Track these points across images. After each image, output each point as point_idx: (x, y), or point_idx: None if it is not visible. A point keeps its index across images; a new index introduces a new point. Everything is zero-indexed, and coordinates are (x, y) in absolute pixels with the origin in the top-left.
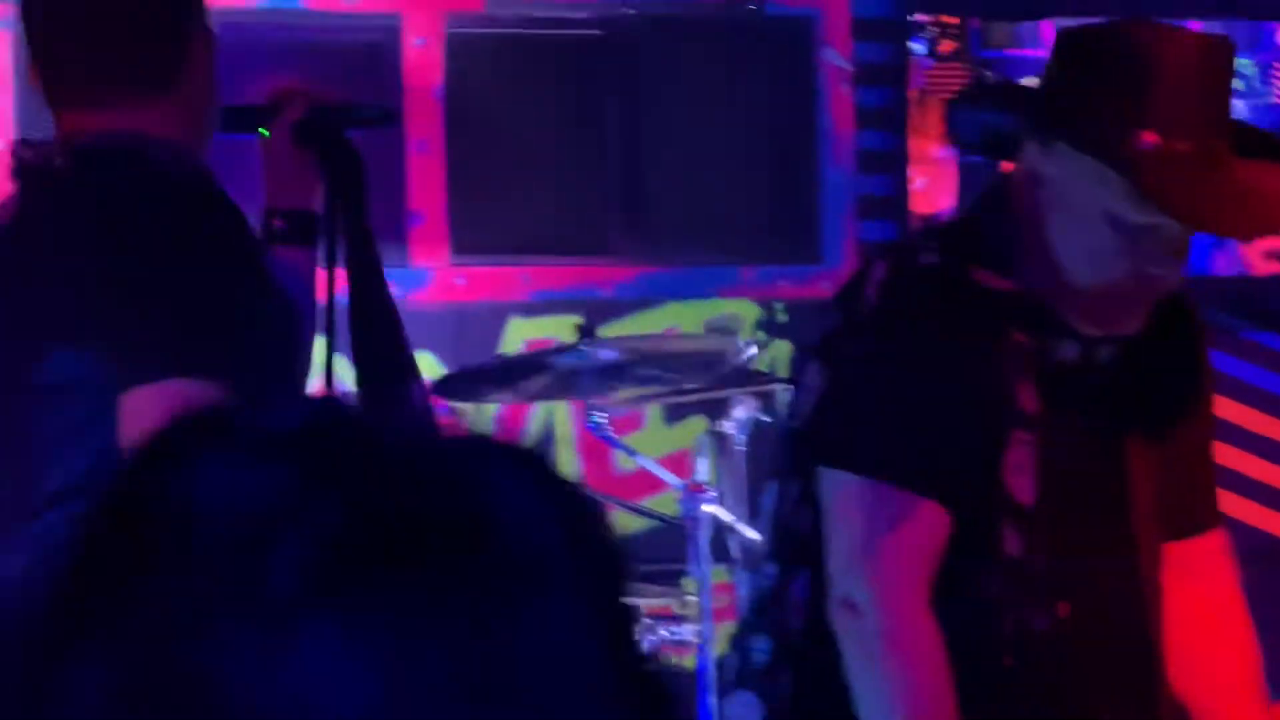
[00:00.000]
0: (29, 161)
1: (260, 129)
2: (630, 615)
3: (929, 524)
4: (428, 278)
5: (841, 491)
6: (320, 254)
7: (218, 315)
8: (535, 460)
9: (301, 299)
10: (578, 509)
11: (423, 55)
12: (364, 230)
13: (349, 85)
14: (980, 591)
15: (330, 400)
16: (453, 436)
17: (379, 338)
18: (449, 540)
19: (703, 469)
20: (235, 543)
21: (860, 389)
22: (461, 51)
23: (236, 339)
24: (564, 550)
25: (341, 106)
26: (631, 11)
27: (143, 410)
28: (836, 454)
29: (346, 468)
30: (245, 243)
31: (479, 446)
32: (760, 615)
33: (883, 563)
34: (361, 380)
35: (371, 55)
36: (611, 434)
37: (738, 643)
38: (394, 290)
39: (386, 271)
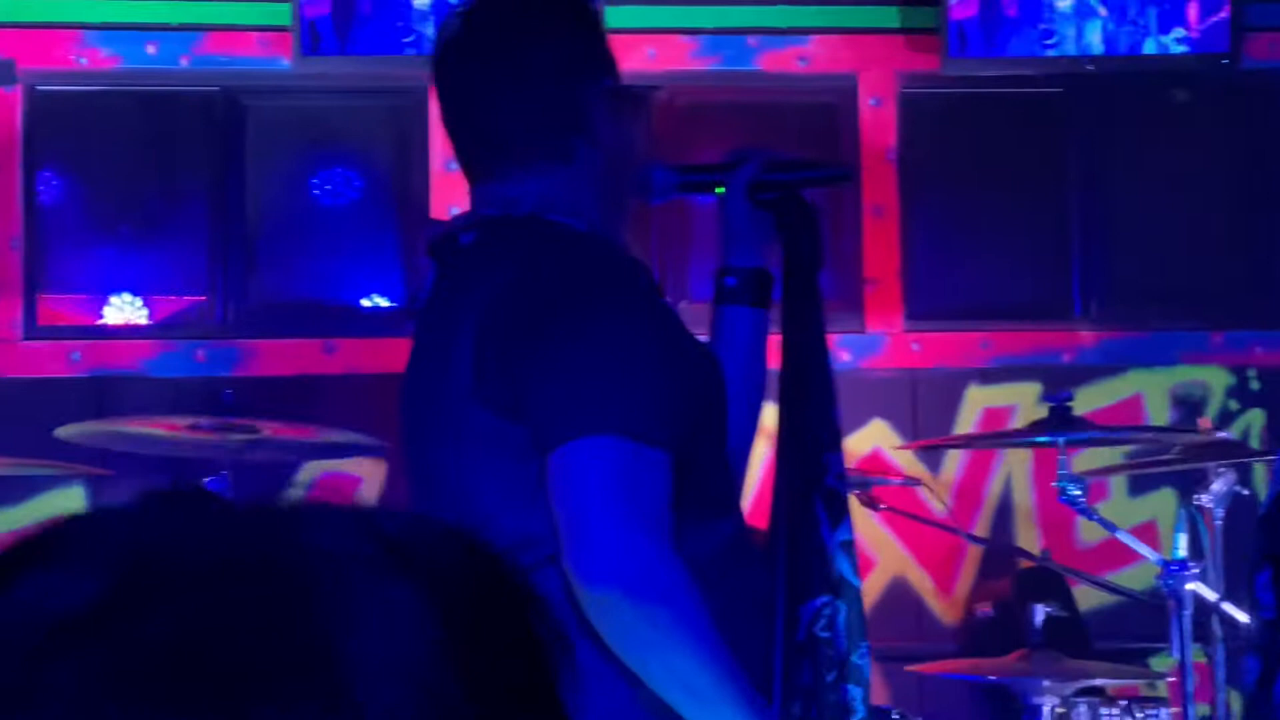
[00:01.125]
0: (440, 237)
1: (717, 187)
2: None
3: None
4: (882, 343)
5: None
6: (773, 314)
7: (632, 373)
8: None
9: (750, 359)
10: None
11: (877, 116)
12: (815, 292)
13: (803, 147)
14: None
15: (179, 514)
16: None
17: (813, 405)
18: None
19: (1181, 544)
20: (22, 649)
21: None
22: (916, 112)
23: (652, 395)
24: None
25: (799, 164)
26: (1091, 68)
27: (569, 467)
28: None
29: (166, 590)
30: (649, 298)
31: (333, 560)
32: (1249, 713)
33: None
34: (784, 444)
35: (826, 116)
36: (1087, 506)
37: None
38: (848, 356)
39: (841, 338)
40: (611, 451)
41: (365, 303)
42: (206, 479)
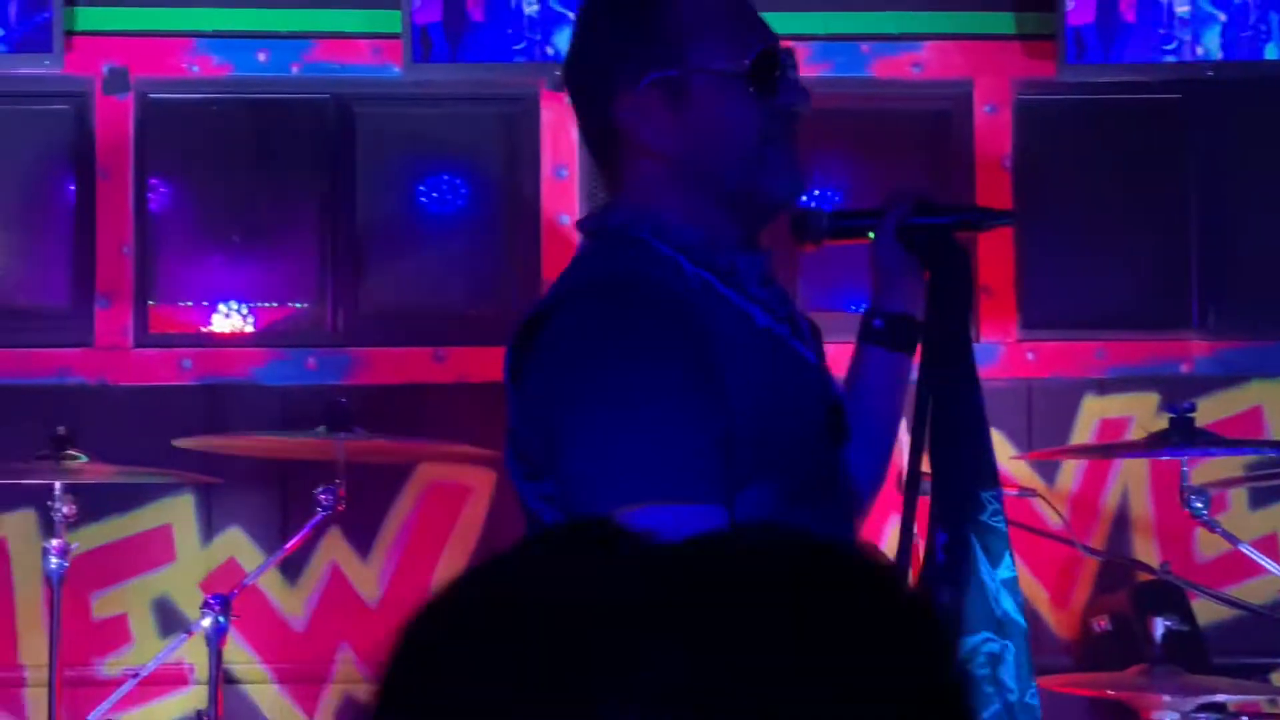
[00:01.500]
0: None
1: (869, 231)
2: None
3: None
4: (996, 353)
5: None
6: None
7: (661, 431)
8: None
9: (887, 401)
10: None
11: (992, 123)
12: (962, 339)
13: (918, 154)
14: None
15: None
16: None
17: (965, 443)
18: None
19: None
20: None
21: None
22: (1031, 119)
23: (686, 450)
24: None
25: (951, 208)
26: (1210, 74)
27: None
28: None
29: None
30: (686, 341)
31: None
32: None
33: None
34: (939, 488)
35: (940, 123)
36: (1211, 519)
37: None
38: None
39: None
40: (649, 522)
41: (474, 311)
42: (319, 488)
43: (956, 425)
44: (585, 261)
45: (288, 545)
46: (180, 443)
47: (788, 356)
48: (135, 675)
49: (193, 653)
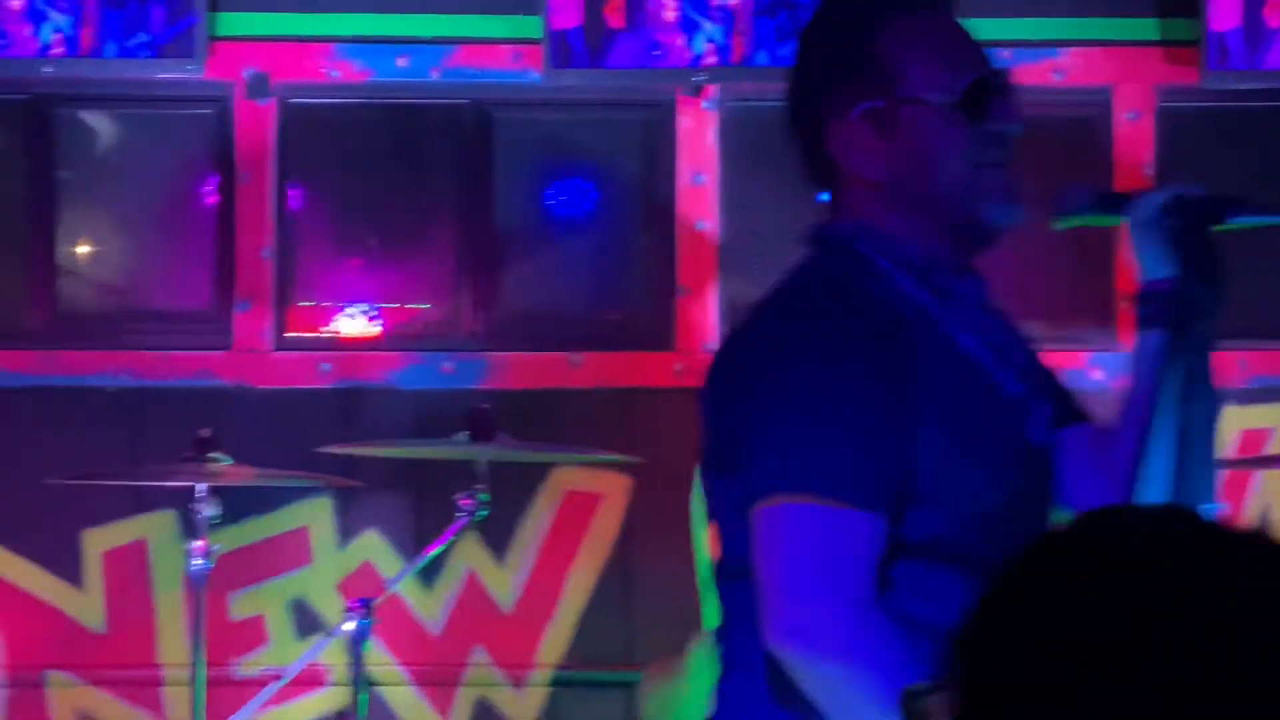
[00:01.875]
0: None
1: (1126, 215)
2: None
3: None
4: None
5: None
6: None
7: (836, 432)
8: None
9: (1152, 391)
10: None
11: (1135, 130)
12: (1202, 335)
13: (1058, 161)
14: None
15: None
16: None
17: (1189, 452)
18: None
19: None
20: None
21: None
22: (1174, 126)
23: (857, 456)
24: None
25: (1213, 200)
26: None
27: (762, 530)
28: None
29: None
30: (882, 352)
31: None
32: None
33: None
34: (1151, 489)
35: (1082, 130)
36: None
37: None
38: (1101, 375)
39: (1094, 355)
40: (804, 517)
41: (610, 316)
42: (460, 494)
43: (1186, 433)
44: (801, 269)
45: (428, 550)
46: (326, 449)
47: (985, 386)
48: (279, 677)
49: (328, 654)
